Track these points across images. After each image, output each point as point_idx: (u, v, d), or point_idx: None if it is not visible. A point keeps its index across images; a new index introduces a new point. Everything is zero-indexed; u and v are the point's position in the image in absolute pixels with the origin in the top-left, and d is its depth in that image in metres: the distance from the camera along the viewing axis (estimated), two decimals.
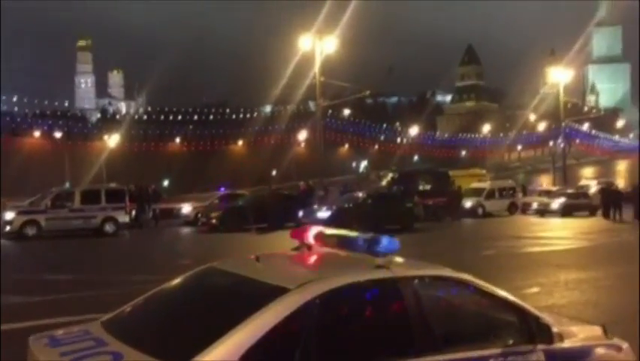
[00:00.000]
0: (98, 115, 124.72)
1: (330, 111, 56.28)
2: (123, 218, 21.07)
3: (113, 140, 60.96)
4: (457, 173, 34.27)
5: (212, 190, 29.24)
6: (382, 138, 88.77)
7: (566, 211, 28.43)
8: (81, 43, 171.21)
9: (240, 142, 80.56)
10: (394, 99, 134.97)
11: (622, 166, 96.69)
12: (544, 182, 52.66)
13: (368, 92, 40.11)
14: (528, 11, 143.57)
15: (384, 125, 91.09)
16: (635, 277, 11.03)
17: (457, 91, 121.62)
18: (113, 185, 23.86)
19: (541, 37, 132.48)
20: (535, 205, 30.16)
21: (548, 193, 32.68)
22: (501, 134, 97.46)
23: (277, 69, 61.81)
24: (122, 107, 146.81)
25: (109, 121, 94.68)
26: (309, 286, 3.22)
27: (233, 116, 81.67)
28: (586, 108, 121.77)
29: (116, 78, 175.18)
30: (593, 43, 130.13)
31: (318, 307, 3.08)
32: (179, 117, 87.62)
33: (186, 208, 25.91)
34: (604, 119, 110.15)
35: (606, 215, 26.46)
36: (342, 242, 3.85)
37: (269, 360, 2.85)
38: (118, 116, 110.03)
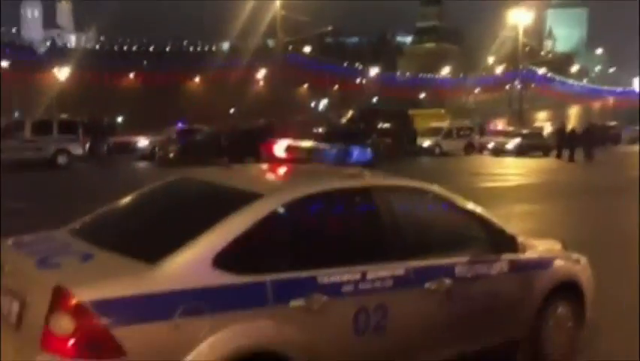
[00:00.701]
0: (47, 45, 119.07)
1: (290, 47, 55.21)
2: (76, 150, 20.48)
3: (63, 72, 58.44)
4: (416, 112, 34.60)
5: (169, 125, 28.57)
6: (342, 77, 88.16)
7: (520, 151, 29.19)
8: None
9: (197, 78, 78.67)
10: (354, 39, 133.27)
11: (574, 110, 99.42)
12: (501, 123, 53.67)
13: (330, 28, 39.39)
14: None
15: (344, 65, 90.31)
16: (581, 210, 11.69)
17: (417, 32, 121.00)
18: (65, 116, 22.97)
19: None
20: (491, 145, 30.81)
21: (505, 134, 33.37)
22: (460, 76, 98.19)
23: (236, 2, 59.89)
24: (72, 39, 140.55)
25: (58, 52, 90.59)
26: (282, 192, 3.22)
27: (191, 51, 79.36)
28: (543, 52, 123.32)
29: (64, 8, 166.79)
30: None
31: (290, 212, 3.09)
32: (134, 50, 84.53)
33: (142, 142, 25.41)
34: (559, 64, 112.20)
35: (559, 155, 27.28)
36: (314, 154, 3.84)
37: (242, 262, 2.85)
38: (68, 48, 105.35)
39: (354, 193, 3.41)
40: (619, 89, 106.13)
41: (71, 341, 2.46)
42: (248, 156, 21.84)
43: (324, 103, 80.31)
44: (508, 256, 3.74)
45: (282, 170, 3.87)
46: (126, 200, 3.66)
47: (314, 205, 3.23)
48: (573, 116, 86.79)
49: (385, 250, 3.29)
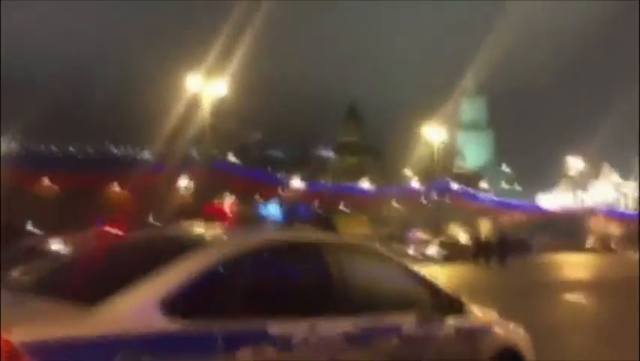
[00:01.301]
0: None
1: (216, 154, 55.74)
2: None
3: None
4: (340, 218, 35.37)
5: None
6: (265, 187, 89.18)
7: (445, 257, 30.12)
8: None
9: (117, 184, 77.14)
10: (279, 153, 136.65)
11: (484, 222, 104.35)
12: (418, 233, 55.45)
13: (259, 137, 40.26)
14: (406, 75, 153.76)
15: (268, 174, 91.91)
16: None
17: (339, 147, 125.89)
18: None
19: (418, 99, 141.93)
20: (411, 251, 31.64)
21: (424, 241, 34.42)
22: (378, 187, 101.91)
23: (160, 112, 60.60)
24: None
25: None
26: (229, 240, 3.20)
27: (111, 157, 78.26)
28: (454, 169, 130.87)
29: None
30: (461, 111, 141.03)
31: (239, 260, 3.09)
32: (50, 154, 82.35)
33: (56, 245, 24.15)
34: (469, 180, 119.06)
35: (476, 261, 28.36)
36: (260, 212, 3.87)
37: (191, 308, 2.78)
38: None
39: (304, 246, 3.45)
40: (525, 203, 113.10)
41: None
42: None
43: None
44: (453, 319, 3.79)
45: (227, 224, 3.87)
46: (72, 255, 3.53)
47: (263, 255, 3.22)
48: (484, 227, 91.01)
49: (334, 305, 3.28)
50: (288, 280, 3.31)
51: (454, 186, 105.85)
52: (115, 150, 75.91)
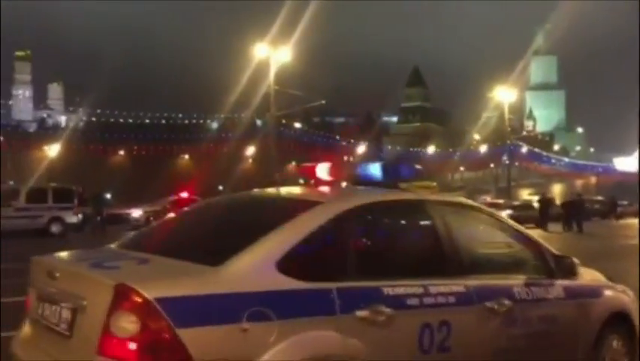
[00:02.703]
0: (35, 127, 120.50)
1: (283, 121, 56.19)
2: (71, 219, 20.17)
3: (53, 149, 58.91)
4: (403, 185, 34.98)
5: (161, 197, 28.48)
6: (330, 154, 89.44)
7: (517, 222, 29.28)
8: (19, 53, 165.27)
9: (187, 152, 79.46)
10: (341, 119, 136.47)
11: (557, 187, 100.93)
12: (489, 198, 54.20)
13: (323, 102, 40.17)
14: (471, 37, 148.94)
15: (333, 141, 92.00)
16: None
17: (403, 112, 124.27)
18: (60, 185, 22.74)
19: (484, 61, 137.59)
20: None
21: (496, 206, 33.57)
22: (446, 152, 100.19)
23: (226, 79, 61.41)
24: (62, 119, 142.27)
25: (49, 131, 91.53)
26: (341, 200, 3.17)
27: (180, 125, 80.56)
28: (524, 132, 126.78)
29: (55, 90, 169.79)
30: (530, 71, 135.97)
31: (350, 220, 3.02)
32: (123, 124, 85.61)
33: (136, 213, 25.18)
34: (541, 143, 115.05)
35: (544, 226, 27.52)
36: (359, 173, 3.79)
37: (306, 268, 2.75)
38: (58, 128, 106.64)
39: (411, 206, 3.37)
40: (601, 166, 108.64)
41: (134, 344, 2.32)
42: None
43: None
44: (564, 281, 3.64)
45: (333, 186, 3.82)
46: (176, 215, 3.61)
47: (372, 215, 3.18)
48: (557, 192, 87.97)
49: (444, 266, 3.21)
50: (398, 241, 3.25)
51: (524, 149, 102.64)
52: (182, 119, 77.85)
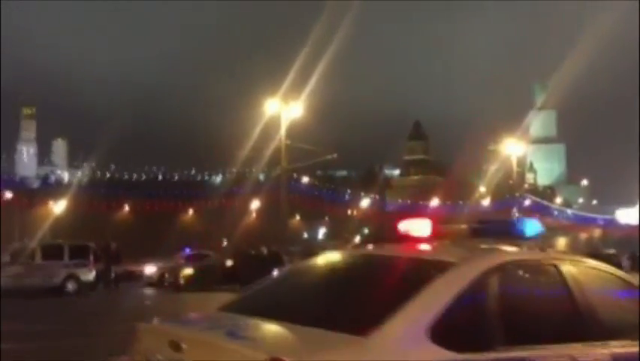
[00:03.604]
0: (38, 183, 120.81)
1: (295, 175, 56.23)
2: (86, 276, 19.79)
3: (59, 205, 58.85)
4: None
5: (174, 252, 28.15)
6: (333, 208, 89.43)
7: None
8: (26, 111, 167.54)
9: (191, 208, 79.26)
10: (343, 172, 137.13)
11: (561, 240, 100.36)
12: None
13: (335, 155, 40.36)
14: (470, 92, 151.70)
15: (338, 196, 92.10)
16: None
17: (404, 165, 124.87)
18: (76, 242, 22.42)
19: (482, 115, 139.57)
20: None
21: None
22: (450, 206, 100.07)
23: (231, 133, 61.94)
24: (65, 175, 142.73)
25: (52, 187, 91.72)
26: (475, 260, 2.98)
27: (184, 180, 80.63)
28: (526, 185, 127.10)
29: (60, 147, 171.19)
30: (530, 125, 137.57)
31: (488, 282, 2.83)
32: (128, 180, 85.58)
33: (149, 269, 24.80)
34: (543, 196, 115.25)
35: None
36: (476, 229, 3.61)
37: (456, 337, 2.56)
38: (61, 184, 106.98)
39: (543, 266, 3.18)
40: (604, 218, 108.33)
41: None
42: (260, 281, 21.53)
43: (322, 232, 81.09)
44: None
45: (447, 243, 3.62)
46: (284, 275, 3.42)
47: (508, 275, 2.97)
48: (562, 245, 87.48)
49: (583, 330, 3.00)
50: (536, 304, 3.07)
51: (527, 201, 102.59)
52: (189, 175, 78.11)
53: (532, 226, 3.35)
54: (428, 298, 2.63)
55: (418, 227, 3.66)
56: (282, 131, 31.90)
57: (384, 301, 2.67)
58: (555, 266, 3.17)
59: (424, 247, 3.47)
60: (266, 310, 2.92)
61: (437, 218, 3.79)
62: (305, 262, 3.55)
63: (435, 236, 3.62)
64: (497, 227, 3.70)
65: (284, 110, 31.93)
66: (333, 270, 3.39)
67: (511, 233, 3.37)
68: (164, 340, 2.64)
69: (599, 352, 2.92)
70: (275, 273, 3.65)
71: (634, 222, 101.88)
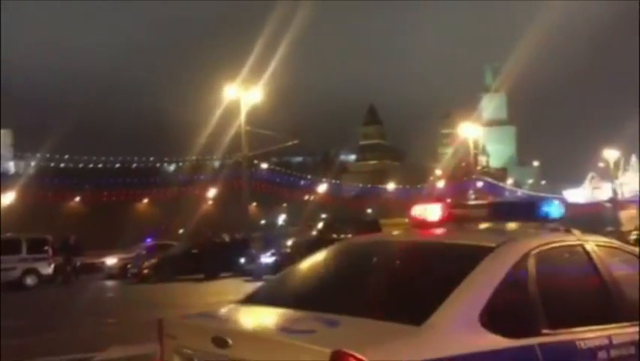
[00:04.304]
0: None
1: (255, 162, 55.66)
2: (45, 270, 19.12)
3: (7, 197, 56.79)
4: (384, 222, 34.92)
5: (135, 243, 27.50)
6: (290, 194, 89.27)
7: None
8: None
9: (147, 197, 77.63)
10: (299, 158, 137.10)
11: None
12: None
13: (297, 141, 40.14)
14: (423, 76, 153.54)
15: (295, 182, 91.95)
16: None
17: (360, 150, 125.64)
18: (33, 235, 21.57)
19: (435, 99, 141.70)
20: None
21: None
22: (405, 189, 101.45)
23: (187, 121, 60.82)
24: (11, 166, 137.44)
25: None
26: (514, 244, 2.94)
27: (139, 168, 78.80)
28: (479, 167, 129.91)
29: (4, 137, 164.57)
30: (481, 108, 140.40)
31: (530, 265, 2.81)
32: (78, 170, 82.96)
33: (111, 260, 24.14)
34: (496, 178, 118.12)
35: None
36: (496, 212, 3.53)
37: (506, 322, 2.54)
38: (6, 175, 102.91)
39: (573, 247, 3.16)
40: (554, 197, 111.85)
41: None
42: (225, 270, 21.25)
43: (282, 218, 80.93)
44: None
45: (476, 227, 3.55)
46: (310, 263, 3.30)
47: (545, 258, 2.94)
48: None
49: (615, 311, 3.01)
50: (571, 287, 3.05)
51: (480, 183, 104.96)
52: (143, 163, 76.30)
53: (557, 208, 3.32)
54: (476, 283, 2.58)
55: (431, 211, 3.58)
56: (242, 116, 31.55)
57: (432, 289, 2.65)
58: (583, 247, 3.16)
59: (457, 232, 3.40)
60: (303, 302, 2.81)
61: (448, 201, 3.73)
62: (329, 251, 3.43)
63: (450, 219, 3.55)
64: (520, 209, 3.66)
65: (243, 95, 31.53)
66: (366, 258, 3.29)
67: (535, 215, 3.32)
68: (206, 336, 2.51)
69: (630, 331, 2.93)
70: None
71: (581, 200, 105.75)
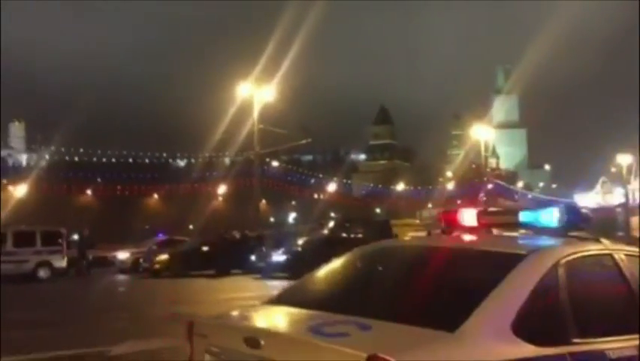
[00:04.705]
0: None
1: (267, 160, 55.73)
2: (59, 263, 19.27)
3: (19, 189, 57.21)
4: (394, 222, 34.90)
5: (145, 237, 27.70)
6: (301, 192, 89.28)
7: None
8: None
9: (158, 192, 77.97)
10: (309, 157, 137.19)
11: None
12: None
13: (310, 140, 40.18)
14: (436, 77, 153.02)
15: (307, 180, 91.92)
16: None
17: (370, 149, 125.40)
18: (48, 227, 21.73)
19: (446, 100, 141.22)
20: None
21: None
22: (416, 190, 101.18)
23: (201, 118, 60.99)
24: (23, 158, 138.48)
25: (10, 171, 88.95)
26: (545, 252, 2.95)
27: (152, 164, 79.15)
28: (489, 170, 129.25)
29: (17, 129, 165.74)
30: (492, 110, 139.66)
31: (560, 274, 2.83)
32: (91, 163, 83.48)
33: (122, 255, 24.29)
34: (506, 180, 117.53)
35: None
36: (521, 219, 3.53)
37: (534, 328, 2.56)
38: (21, 166, 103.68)
39: (602, 256, 3.17)
40: (564, 201, 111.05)
41: None
42: (235, 267, 21.32)
43: (292, 216, 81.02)
44: None
45: (515, 234, 3.57)
46: (338, 265, 3.32)
47: (575, 267, 2.95)
48: None
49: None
50: (600, 296, 3.06)
51: (490, 185, 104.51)
52: (159, 159, 76.59)
53: (579, 217, 3.34)
54: (508, 291, 2.61)
55: (466, 217, 3.60)
56: (255, 114, 31.61)
57: (464, 295, 2.67)
58: (612, 257, 3.17)
59: (487, 238, 3.42)
60: (334, 304, 2.84)
61: (481, 208, 3.74)
62: (357, 253, 3.46)
63: (483, 226, 3.57)
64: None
65: (256, 93, 31.59)
66: (397, 262, 3.31)
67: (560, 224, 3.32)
68: (239, 336, 2.54)
69: None
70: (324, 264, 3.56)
71: (591, 205, 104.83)
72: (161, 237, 26.39)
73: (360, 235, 27.04)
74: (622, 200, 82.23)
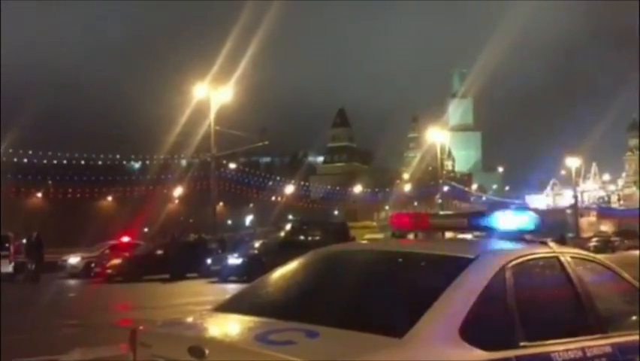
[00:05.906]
0: None
1: (224, 162, 55.12)
2: (5, 268, 18.60)
3: None
4: (351, 225, 35.12)
5: (98, 241, 26.97)
6: (258, 195, 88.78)
7: None
8: None
9: (111, 195, 76.22)
10: (267, 159, 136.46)
11: None
12: None
13: (267, 142, 39.96)
14: (394, 80, 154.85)
15: (264, 182, 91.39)
16: None
17: (328, 152, 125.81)
18: None
19: (404, 104, 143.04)
20: None
21: None
22: (373, 192, 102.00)
23: (158, 120, 59.97)
24: None
25: None
26: (493, 256, 2.97)
27: (104, 166, 77.29)
28: (444, 172, 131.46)
29: None
30: (448, 113, 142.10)
31: (508, 277, 2.84)
32: (41, 165, 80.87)
33: (73, 259, 23.59)
34: (460, 182, 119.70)
35: None
36: (472, 222, 3.55)
37: (485, 335, 2.56)
38: None
39: (549, 260, 3.21)
40: (516, 203, 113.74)
41: None
42: (191, 271, 21.02)
43: (249, 219, 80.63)
44: None
45: (462, 237, 3.59)
46: (281, 272, 3.27)
47: (522, 270, 2.98)
48: None
49: (587, 323, 3.07)
50: (546, 298, 3.10)
51: (445, 187, 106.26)
52: (109, 160, 74.80)
53: (533, 221, 3.38)
54: (455, 295, 2.60)
55: (417, 220, 3.62)
56: (212, 116, 31.29)
57: (413, 300, 2.65)
58: (558, 260, 3.22)
59: (436, 242, 3.43)
60: (280, 311, 2.79)
61: (421, 213, 3.79)
62: (306, 259, 3.41)
63: (434, 229, 3.60)
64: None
65: (213, 94, 31.27)
66: (347, 266, 3.27)
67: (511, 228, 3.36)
68: (183, 345, 2.46)
69: (603, 343, 3.00)
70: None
71: (541, 206, 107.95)
72: (113, 241, 25.70)
73: (317, 238, 27.15)
74: (572, 202, 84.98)
